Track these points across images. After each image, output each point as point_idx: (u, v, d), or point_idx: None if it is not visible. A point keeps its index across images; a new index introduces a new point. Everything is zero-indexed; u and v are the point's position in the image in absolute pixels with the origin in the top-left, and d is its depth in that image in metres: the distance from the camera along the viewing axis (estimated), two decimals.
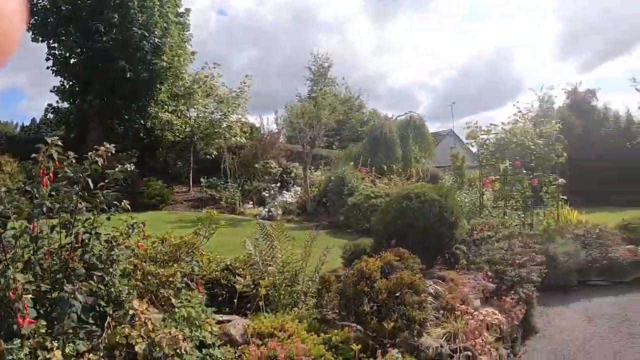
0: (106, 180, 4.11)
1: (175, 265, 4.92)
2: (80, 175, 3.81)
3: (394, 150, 22.82)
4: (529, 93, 53.82)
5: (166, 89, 21.18)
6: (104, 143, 3.96)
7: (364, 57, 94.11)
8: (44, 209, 3.64)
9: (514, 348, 6.78)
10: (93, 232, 4.02)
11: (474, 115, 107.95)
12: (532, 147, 13.03)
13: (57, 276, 3.75)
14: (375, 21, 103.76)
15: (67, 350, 3.37)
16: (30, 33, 19.97)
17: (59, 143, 3.74)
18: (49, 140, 3.69)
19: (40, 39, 20.63)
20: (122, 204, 4.21)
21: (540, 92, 33.29)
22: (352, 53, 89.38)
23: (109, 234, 4.19)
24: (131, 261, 4.66)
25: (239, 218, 15.83)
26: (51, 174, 3.72)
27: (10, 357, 3.06)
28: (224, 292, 5.79)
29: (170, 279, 4.49)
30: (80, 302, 3.53)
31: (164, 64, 20.33)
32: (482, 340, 5.44)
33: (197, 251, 5.65)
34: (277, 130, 24.67)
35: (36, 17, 20.21)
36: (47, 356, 3.18)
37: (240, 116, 22.20)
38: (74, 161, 3.90)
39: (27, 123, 47.44)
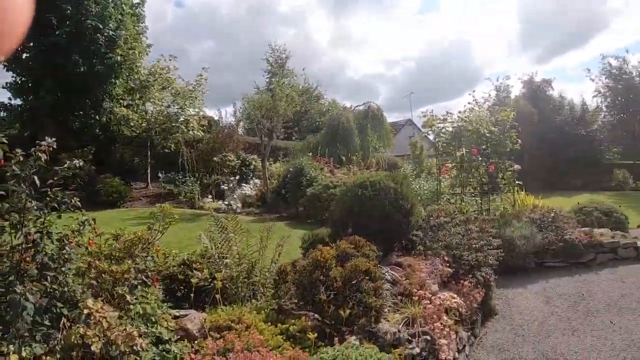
0: (55, 178, 4.04)
1: (129, 261, 4.87)
2: (27, 173, 3.74)
3: (352, 140, 22.98)
4: (487, 83, 54.93)
5: (121, 82, 20.69)
6: (46, 138, 3.88)
7: (323, 48, 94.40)
8: None
9: (474, 330, 6.89)
10: (44, 231, 3.95)
11: (432, 105, 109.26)
12: (487, 134, 13.21)
13: (10, 278, 3.68)
14: (334, 12, 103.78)
15: (23, 353, 3.32)
16: None
17: (4, 141, 3.68)
18: None
19: None
20: (73, 201, 4.13)
21: (497, 81, 34.18)
22: (311, 45, 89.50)
23: (61, 233, 4.12)
24: (85, 259, 4.60)
25: (198, 212, 15.65)
26: None
27: None
28: (182, 287, 5.73)
29: (125, 275, 4.45)
30: (33, 303, 3.48)
31: (119, 57, 19.89)
32: (441, 323, 5.52)
33: (152, 247, 5.59)
34: (234, 123, 24.41)
35: None
36: None
37: (197, 110, 21.94)
38: (21, 159, 3.82)
39: None
